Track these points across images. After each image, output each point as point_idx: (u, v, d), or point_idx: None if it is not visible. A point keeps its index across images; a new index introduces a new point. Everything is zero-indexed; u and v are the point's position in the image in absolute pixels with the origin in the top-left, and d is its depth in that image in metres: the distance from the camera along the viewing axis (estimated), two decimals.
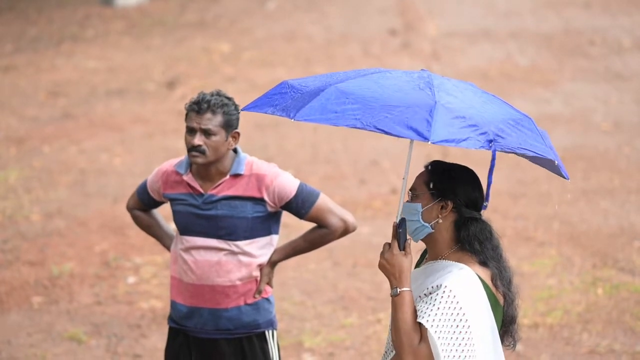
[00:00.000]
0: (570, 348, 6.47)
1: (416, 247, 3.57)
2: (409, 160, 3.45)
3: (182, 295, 4.57)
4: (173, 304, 4.63)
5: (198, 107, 4.38)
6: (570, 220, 8.44)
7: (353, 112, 3.24)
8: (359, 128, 3.22)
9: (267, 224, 4.49)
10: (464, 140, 3.19)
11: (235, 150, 4.53)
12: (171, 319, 4.67)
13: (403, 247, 3.41)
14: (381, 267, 3.42)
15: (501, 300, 3.46)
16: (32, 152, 10.51)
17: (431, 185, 3.47)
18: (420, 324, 3.33)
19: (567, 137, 10.61)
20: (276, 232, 4.56)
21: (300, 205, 4.48)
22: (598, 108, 11.69)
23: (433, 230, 3.47)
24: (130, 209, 4.84)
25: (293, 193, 4.47)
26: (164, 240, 4.80)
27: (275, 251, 4.59)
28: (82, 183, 9.60)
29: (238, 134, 4.47)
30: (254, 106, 3.55)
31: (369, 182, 9.49)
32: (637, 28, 15.44)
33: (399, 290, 3.36)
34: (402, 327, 3.34)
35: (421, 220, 3.46)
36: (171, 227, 4.82)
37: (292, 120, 3.30)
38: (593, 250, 7.87)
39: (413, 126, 3.18)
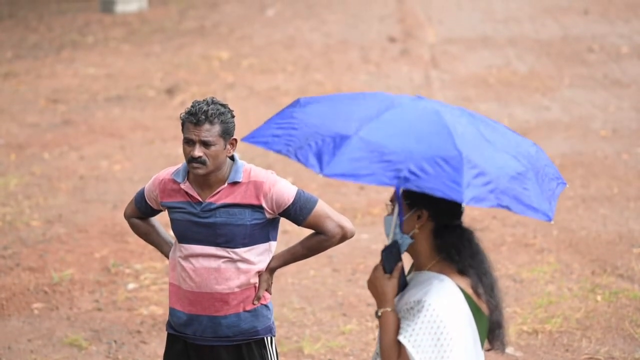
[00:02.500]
0: (570, 355, 6.48)
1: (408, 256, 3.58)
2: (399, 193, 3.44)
3: (181, 302, 4.58)
4: (172, 311, 4.64)
5: (196, 118, 4.35)
6: (569, 227, 8.45)
7: (381, 168, 3.20)
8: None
9: (265, 230, 4.50)
10: (483, 200, 3.16)
11: (232, 158, 4.53)
12: (170, 325, 4.68)
13: (390, 270, 3.40)
14: (368, 286, 3.45)
15: (484, 309, 3.44)
16: (32, 159, 10.53)
17: (407, 195, 3.43)
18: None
19: (565, 143, 10.64)
20: (274, 239, 4.57)
21: (298, 212, 4.49)
22: (597, 115, 11.71)
23: (413, 241, 3.46)
24: (127, 217, 4.84)
25: (291, 200, 4.47)
26: (162, 247, 4.80)
27: (273, 258, 4.59)
28: (82, 189, 9.62)
29: (235, 140, 4.48)
30: (261, 142, 3.48)
31: (368, 188, 9.50)
32: (635, 35, 15.47)
33: (379, 311, 3.40)
34: (386, 347, 3.37)
35: (400, 232, 3.45)
36: (170, 234, 4.83)
37: (321, 176, 3.25)
38: (592, 257, 7.89)
39: (445, 184, 3.14)
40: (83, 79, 13.68)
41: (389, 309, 3.38)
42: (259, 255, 4.51)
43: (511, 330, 6.55)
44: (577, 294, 7.26)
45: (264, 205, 4.43)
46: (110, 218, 8.78)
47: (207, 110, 4.35)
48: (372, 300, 7.21)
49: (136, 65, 14.42)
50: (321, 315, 7.05)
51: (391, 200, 3.49)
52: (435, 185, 3.13)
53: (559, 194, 3.48)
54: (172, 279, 4.61)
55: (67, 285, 7.49)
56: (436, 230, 3.45)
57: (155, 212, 4.72)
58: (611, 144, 10.63)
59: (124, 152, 10.72)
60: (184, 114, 4.41)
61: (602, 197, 9.16)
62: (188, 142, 4.39)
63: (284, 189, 4.46)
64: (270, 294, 4.63)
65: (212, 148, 4.36)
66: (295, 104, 3.55)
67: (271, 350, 4.62)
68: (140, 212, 4.75)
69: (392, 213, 3.47)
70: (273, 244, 4.56)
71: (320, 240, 4.57)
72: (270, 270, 4.57)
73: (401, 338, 3.32)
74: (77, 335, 6.77)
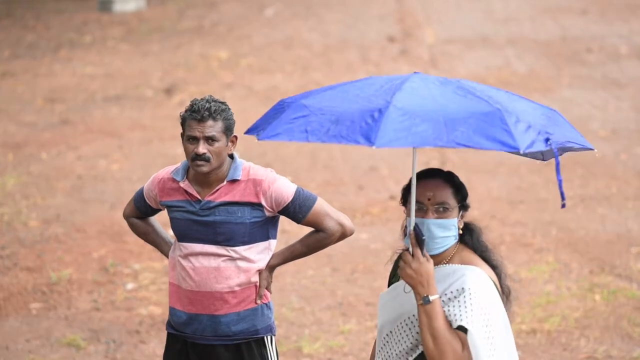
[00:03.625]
0: (568, 354, 6.47)
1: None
2: (415, 168, 3.43)
3: (181, 301, 4.57)
4: (172, 311, 4.63)
5: (199, 115, 4.36)
6: (568, 227, 8.45)
7: (425, 132, 3.16)
8: (439, 146, 3.18)
9: (265, 228, 4.49)
10: (533, 144, 3.18)
11: (231, 156, 4.53)
12: (170, 325, 4.67)
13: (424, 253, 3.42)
14: (407, 277, 3.36)
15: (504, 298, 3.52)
16: (29, 158, 10.52)
17: (459, 198, 3.51)
18: (458, 329, 3.33)
19: None
20: (274, 237, 4.57)
21: (297, 209, 4.48)
22: (595, 115, 11.71)
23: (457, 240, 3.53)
24: (126, 217, 4.84)
25: (290, 198, 4.47)
26: (162, 247, 4.80)
27: (273, 256, 4.59)
28: (80, 189, 9.60)
29: (236, 137, 4.48)
30: (274, 134, 3.46)
31: (367, 188, 9.50)
32: (634, 35, 15.47)
33: (430, 298, 3.33)
34: (441, 335, 3.30)
35: (456, 234, 3.50)
36: (169, 233, 4.82)
37: (374, 146, 3.19)
38: (590, 256, 7.88)
39: (498, 138, 3.13)
40: (81, 79, 13.67)
41: (437, 296, 3.34)
42: (258, 254, 4.50)
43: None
44: (576, 293, 7.25)
45: (263, 203, 4.42)
46: (109, 218, 8.76)
47: (210, 106, 4.36)
48: (371, 300, 7.20)
49: (134, 64, 14.41)
50: (320, 315, 7.05)
51: (439, 204, 3.48)
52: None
53: (561, 146, 3.37)
54: (172, 278, 4.60)
55: (65, 285, 7.48)
56: (464, 228, 3.54)
57: (155, 211, 4.71)
58: (610, 144, 10.63)
59: (122, 151, 10.71)
60: (185, 111, 4.40)
61: (601, 196, 9.15)
62: (191, 140, 4.37)
63: (284, 187, 4.46)
64: (270, 292, 4.62)
65: (216, 144, 4.36)
66: (281, 103, 3.55)
67: (271, 350, 4.61)
68: (140, 211, 4.74)
69: (443, 214, 3.48)
70: (273, 242, 4.55)
71: (320, 238, 4.56)
72: (270, 268, 4.57)
73: (464, 324, 3.31)
74: (75, 335, 6.76)
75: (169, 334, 4.68)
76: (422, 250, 3.37)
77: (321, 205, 4.52)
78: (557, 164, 3.20)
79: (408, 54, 14.64)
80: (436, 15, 17.11)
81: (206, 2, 18.65)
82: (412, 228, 3.39)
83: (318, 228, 4.55)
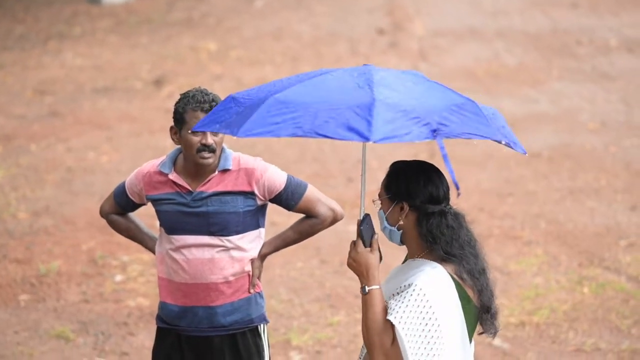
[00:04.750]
0: (557, 346, 6.49)
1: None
2: (364, 162, 3.49)
3: (174, 295, 4.55)
4: (163, 305, 4.60)
5: (207, 105, 4.35)
6: (557, 219, 8.47)
7: (293, 120, 3.21)
8: (300, 136, 3.19)
9: (256, 217, 4.50)
10: (406, 134, 3.15)
11: None
12: (161, 319, 4.64)
13: (369, 243, 3.42)
14: (349, 266, 3.44)
15: (472, 296, 3.46)
16: (19, 150, 10.49)
17: (388, 189, 3.51)
18: (390, 323, 3.33)
19: (554, 136, 10.65)
20: (263, 225, 4.58)
21: (290, 196, 4.50)
22: (585, 107, 11.73)
23: (401, 232, 3.51)
24: (105, 214, 4.79)
25: (282, 186, 4.49)
26: (146, 243, 4.76)
27: (264, 244, 4.59)
28: (69, 181, 9.58)
29: None
30: (202, 125, 3.57)
31: (357, 180, 9.50)
32: (624, 28, 15.49)
33: (367, 288, 3.37)
34: (372, 327, 3.34)
35: (388, 225, 3.51)
36: (155, 227, 4.81)
37: (235, 137, 3.28)
38: (579, 249, 7.90)
39: (354, 127, 3.14)
40: (70, 70, 13.63)
41: (377, 287, 3.37)
42: (251, 242, 4.52)
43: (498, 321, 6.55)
44: (564, 286, 7.27)
45: (255, 191, 4.43)
46: (98, 210, 8.72)
47: (211, 97, 4.37)
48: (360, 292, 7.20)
49: (123, 56, 14.38)
50: (309, 307, 7.05)
51: (379, 195, 3.53)
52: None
53: (514, 142, 3.47)
54: (162, 272, 4.58)
55: (54, 277, 7.47)
56: (418, 220, 3.48)
57: (136, 206, 4.68)
58: (599, 137, 10.65)
59: (111, 143, 10.69)
60: (185, 104, 4.38)
61: (590, 189, 9.17)
62: (196, 132, 4.36)
63: (275, 175, 4.48)
64: (260, 280, 4.62)
65: (219, 135, 4.38)
66: (230, 100, 3.55)
67: (264, 338, 4.62)
68: (120, 207, 4.70)
69: (381, 208, 3.53)
70: (262, 230, 4.57)
71: (312, 223, 4.59)
72: (262, 256, 4.58)
73: (391, 318, 3.31)
74: (64, 327, 6.75)
75: (159, 329, 4.66)
76: (363, 240, 3.40)
77: (312, 191, 4.55)
78: (444, 155, 3.19)
79: (397, 47, 14.63)
80: (426, 7, 17.11)
81: None
82: (360, 217, 3.44)
83: (310, 214, 4.57)
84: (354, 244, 3.43)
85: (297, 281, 7.47)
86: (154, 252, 4.67)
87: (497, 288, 3.61)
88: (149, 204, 4.61)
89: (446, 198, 3.52)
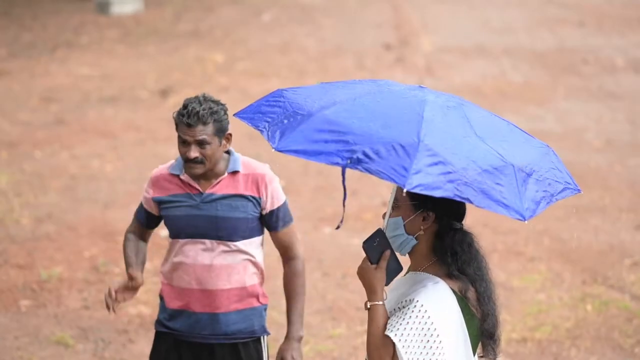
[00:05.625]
0: None
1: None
2: (392, 200, 3.42)
3: (178, 300, 4.51)
4: (166, 309, 4.57)
5: (188, 121, 4.31)
6: (561, 237, 8.44)
7: (337, 148, 3.13)
8: (341, 166, 3.12)
9: (260, 223, 4.50)
10: (436, 189, 3.05)
11: (227, 152, 4.51)
12: (160, 323, 4.62)
13: (377, 260, 3.36)
14: (358, 277, 3.41)
15: (477, 313, 3.41)
16: (23, 157, 10.49)
17: (413, 196, 3.37)
18: (390, 339, 3.29)
19: (559, 154, 10.48)
20: (263, 232, 4.57)
21: (280, 217, 4.49)
22: (590, 126, 11.72)
23: (417, 242, 3.43)
24: (126, 231, 4.68)
25: (281, 202, 4.49)
26: (131, 266, 4.56)
27: (293, 325, 4.52)
28: (72, 188, 9.58)
29: (230, 135, 4.46)
30: (246, 115, 3.48)
31: (360, 194, 9.48)
32: (631, 48, 15.49)
33: (369, 304, 3.34)
34: (373, 342, 3.32)
35: (405, 233, 3.42)
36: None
37: (274, 150, 3.21)
38: (583, 266, 7.87)
39: (393, 168, 3.06)
40: (77, 79, 13.65)
41: (379, 303, 3.34)
42: (256, 248, 4.51)
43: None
44: (567, 303, 7.24)
45: (263, 197, 4.43)
46: (101, 217, 8.74)
47: (199, 111, 4.31)
48: (362, 305, 7.17)
49: (130, 66, 14.39)
50: (310, 319, 7.02)
51: (397, 200, 3.44)
52: (381, 168, 3.07)
53: (560, 198, 3.36)
54: (167, 277, 4.55)
55: (55, 283, 7.45)
56: (438, 233, 3.42)
57: (155, 219, 4.61)
58: (604, 155, 10.63)
59: (116, 152, 10.68)
60: (177, 113, 4.37)
61: (594, 207, 9.15)
62: (183, 143, 4.36)
63: (279, 189, 4.50)
64: None
65: (208, 147, 4.34)
66: (279, 94, 3.50)
67: (265, 350, 4.61)
68: (140, 223, 4.64)
69: (393, 211, 3.44)
70: (263, 237, 4.56)
71: (294, 270, 4.56)
72: (299, 339, 4.54)
73: (390, 334, 3.28)
74: (64, 333, 6.73)
75: (158, 332, 4.63)
76: (369, 257, 3.36)
77: (295, 227, 4.57)
78: (343, 177, 3.19)
79: (404, 62, 14.64)
80: (433, 23, 17.12)
81: (203, 6, 18.64)
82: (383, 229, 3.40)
83: (286, 247, 4.55)
84: (364, 259, 3.39)
85: None
86: (128, 275, 4.48)
87: (499, 304, 3.55)
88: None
89: (464, 216, 3.48)
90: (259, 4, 18.67)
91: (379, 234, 3.38)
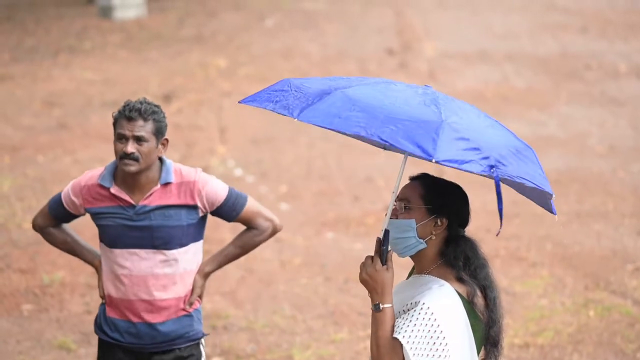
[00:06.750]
0: None
1: (403, 260, 3.55)
2: (401, 176, 3.38)
3: (117, 310, 4.52)
4: (107, 319, 4.56)
5: (129, 114, 4.35)
6: (563, 242, 8.44)
7: (357, 119, 3.13)
8: (362, 136, 3.12)
9: (197, 229, 4.52)
10: (467, 162, 3.07)
11: (160, 160, 4.52)
12: (102, 331, 4.61)
13: (385, 261, 3.36)
14: (363, 281, 3.36)
15: (482, 316, 3.41)
16: (26, 161, 10.50)
17: (428, 200, 3.39)
18: (398, 342, 3.28)
19: (562, 159, 10.63)
20: (202, 238, 4.58)
21: (231, 207, 4.52)
22: (593, 132, 11.71)
23: (426, 246, 3.42)
24: (39, 227, 4.70)
25: (224, 197, 4.51)
26: (84, 255, 4.68)
27: (206, 262, 4.58)
28: None
29: (167, 140, 4.50)
30: (252, 100, 3.46)
31: (363, 198, 9.48)
32: (633, 54, 15.49)
33: (381, 306, 3.33)
34: (383, 344, 3.30)
35: (417, 237, 3.41)
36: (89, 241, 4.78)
37: (295, 119, 3.19)
38: (585, 272, 7.87)
39: (419, 142, 3.07)
40: (79, 84, 13.66)
41: (390, 305, 3.34)
42: (193, 256, 4.54)
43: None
44: (570, 309, 7.23)
45: (198, 204, 4.45)
46: None
47: (141, 107, 4.38)
48: (364, 310, 7.18)
49: (133, 71, 14.40)
50: (312, 323, 7.02)
51: (409, 203, 3.43)
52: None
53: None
54: (105, 287, 4.54)
55: (57, 288, 7.45)
56: (449, 238, 3.43)
57: (72, 217, 4.62)
58: (607, 161, 10.63)
59: None
60: (117, 111, 4.39)
61: (597, 213, 9.14)
62: (120, 139, 4.36)
63: (217, 187, 4.50)
64: (201, 299, 4.61)
65: (145, 145, 4.36)
66: (286, 83, 3.48)
67: (203, 352, 4.66)
68: (57, 219, 4.64)
69: (403, 212, 3.42)
70: (201, 242, 4.57)
71: (253, 235, 4.62)
72: (205, 274, 4.58)
73: (399, 336, 3.28)
74: (66, 337, 6.73)
75: (102, 341, 4.62)
76: (381, 258, 3.34)
77: (253, 203, 4.59)
78: (499, 193, 3.13)
79: (406, 67, 14.64)
80: (435, 29, 17.13)
81: (206, 11, 18.66)
82: (382, 233, 3.36)
83: (250, 225, 4.60)
84: (371, 259, 3.35)
85: (301, 297, 7.44)
86: (92, 265, 4.62)
87: (503, 311, 3.55)
88: (87, 216, 4.57)
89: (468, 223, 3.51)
90: (261, 9, 18.69)
91: (387, 235, 3.37)
